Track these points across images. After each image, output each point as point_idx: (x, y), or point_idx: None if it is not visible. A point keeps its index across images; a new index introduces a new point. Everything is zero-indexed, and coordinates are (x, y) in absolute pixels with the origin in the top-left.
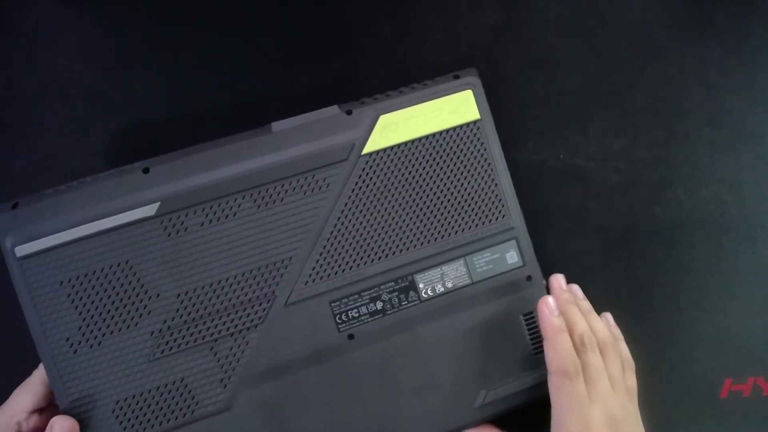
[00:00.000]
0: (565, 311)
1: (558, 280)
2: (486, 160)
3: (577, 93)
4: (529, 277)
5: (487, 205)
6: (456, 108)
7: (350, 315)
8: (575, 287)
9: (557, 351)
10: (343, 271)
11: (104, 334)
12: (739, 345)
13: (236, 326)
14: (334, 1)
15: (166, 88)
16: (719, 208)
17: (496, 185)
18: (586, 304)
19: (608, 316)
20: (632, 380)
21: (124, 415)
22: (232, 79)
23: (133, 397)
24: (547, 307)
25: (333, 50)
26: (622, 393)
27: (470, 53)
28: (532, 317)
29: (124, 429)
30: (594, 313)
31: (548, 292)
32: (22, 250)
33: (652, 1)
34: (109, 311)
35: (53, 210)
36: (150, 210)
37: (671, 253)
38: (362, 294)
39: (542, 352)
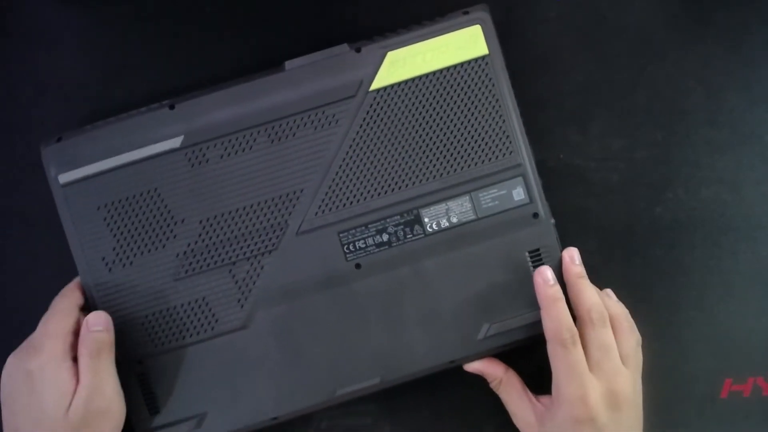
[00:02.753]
0: (576, 284)
1: (571, 253)
2: (494, 96)
3: (577, 93)
4: (535, 215)
5: (494, 141)
6: (464, 44)
7: (357, 245)
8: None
9: (552, 319)
10: (351, 204)
11: (135, 255)
12: (739, 345)
13: (252, 251)
14: (337, 10)
15: (166, 88)
16: (719, 208)
17: (504, 121)
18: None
19: (610, 292)
20: (640, 355)
21: (153, 329)
22: (232, 79)
23: (161, 312)
24: (542, 276)
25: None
26: (633, 370)
27: None
28: (538, 254)
29: (153, 341)
30: (602, 292)
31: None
32: (64, 177)
33: (652, 1)
34: (139, 234)
35: (91, 142)
36: (175, 142)
37: (671, 253)
38: (369, 226)
39: None
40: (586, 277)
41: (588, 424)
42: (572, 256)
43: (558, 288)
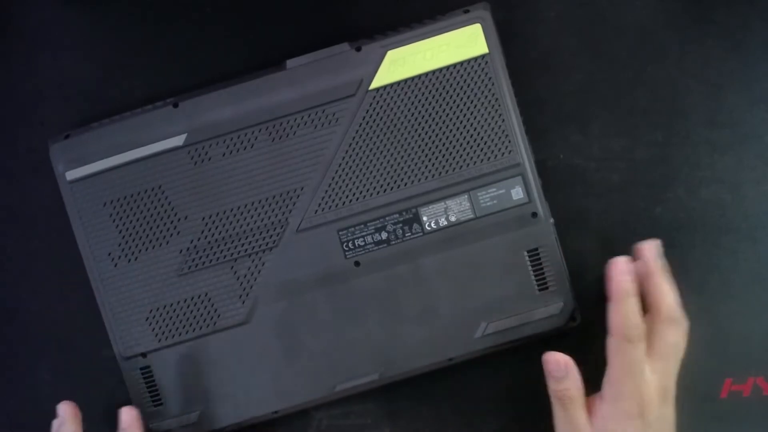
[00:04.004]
0: (659, 277)
1: (655, 244)
2: (494, 95)
3: (577, 93)
4: (534, 214)
5: (493, 140)
6: (464, 42)
7: (356, 243)
8: None
9: (622, 315)
10: (350, 202)
11: (140, 251)
12: (739, 345)
13: (253, 248)
14: (337, 9)
15: (166, 89)
16: (719, 208)
17: (503, 121)
18: None
19: None
20: None
21: (156, 323)
22: (232, 79)
23: (164, 307)
24: (619, 268)
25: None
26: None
27: None
28: (537, 254)
29: (156, 336)
30: None
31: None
32: (71, 174)
33: (652, 1)
34: (144, 230)
35: (97, 139)
36: (178, 140)
37: (671, 253)
38: (368, 224)
39: (546, 288)
40: (668, 273)
41: (638, 419)
42: (653, 253)
43: (633, 284)
